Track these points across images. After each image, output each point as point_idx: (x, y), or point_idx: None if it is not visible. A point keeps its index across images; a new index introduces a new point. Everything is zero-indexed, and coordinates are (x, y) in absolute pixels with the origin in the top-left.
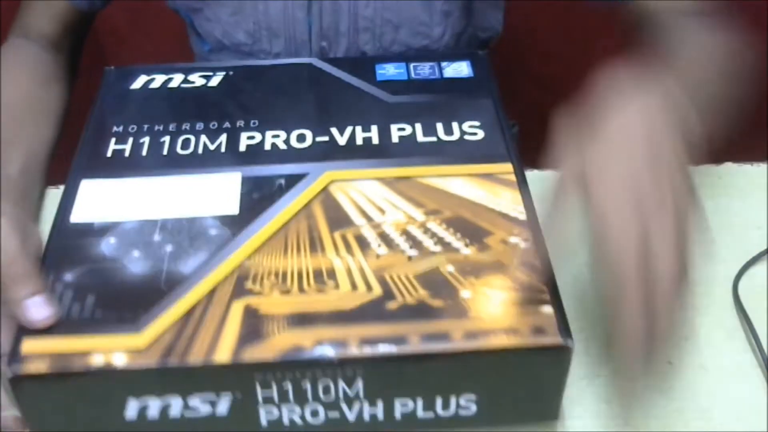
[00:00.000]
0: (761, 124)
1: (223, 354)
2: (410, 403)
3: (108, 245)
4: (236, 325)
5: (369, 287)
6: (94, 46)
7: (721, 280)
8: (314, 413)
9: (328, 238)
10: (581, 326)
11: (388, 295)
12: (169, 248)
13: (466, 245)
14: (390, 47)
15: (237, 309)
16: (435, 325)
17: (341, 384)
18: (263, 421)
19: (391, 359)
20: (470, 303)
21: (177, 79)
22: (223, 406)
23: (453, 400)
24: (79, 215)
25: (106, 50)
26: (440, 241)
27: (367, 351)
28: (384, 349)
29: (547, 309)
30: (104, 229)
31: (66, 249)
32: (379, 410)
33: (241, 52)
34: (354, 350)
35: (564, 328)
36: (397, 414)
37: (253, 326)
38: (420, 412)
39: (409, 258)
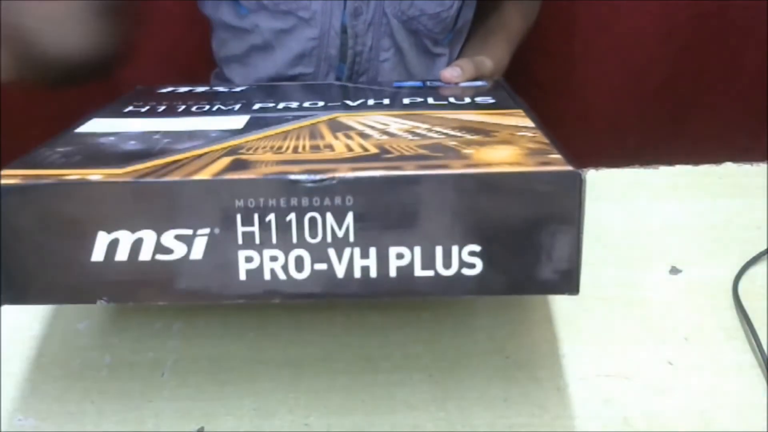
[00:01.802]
0: (761, 124)
1: (203, 176)
2: (407, 254)
3: (107, 139)
4: (222, 165)
5: (365, 150)
6: None
7: (721, 280)
8: (299, 263)
9: (330, 135)
10: (580, 327)
11: (384, 152)
12: (166, 140)
13: (472, 136)
14: (407, 10)
15: (225, 159)
16: (433, 162)
17: (330, 219)
18: (241, 273)
19: (384, 182)
20: (472, 153)
21: (202, 89)
22: (199, 246)
23: (455, 253)
24: (83, 129)
25: None
26: (444, 134)
27: (358, 174)
28: (376, 173)
29: (555, 155)
30: (106, 134)
31: (63, 141)
32: (372, 263)
33: (280, 11)
34: (344, 174)
35: (573, 164)
36: (392, 270)
37: (240, 164)
38: (418, 270)
39: (411, 139)
